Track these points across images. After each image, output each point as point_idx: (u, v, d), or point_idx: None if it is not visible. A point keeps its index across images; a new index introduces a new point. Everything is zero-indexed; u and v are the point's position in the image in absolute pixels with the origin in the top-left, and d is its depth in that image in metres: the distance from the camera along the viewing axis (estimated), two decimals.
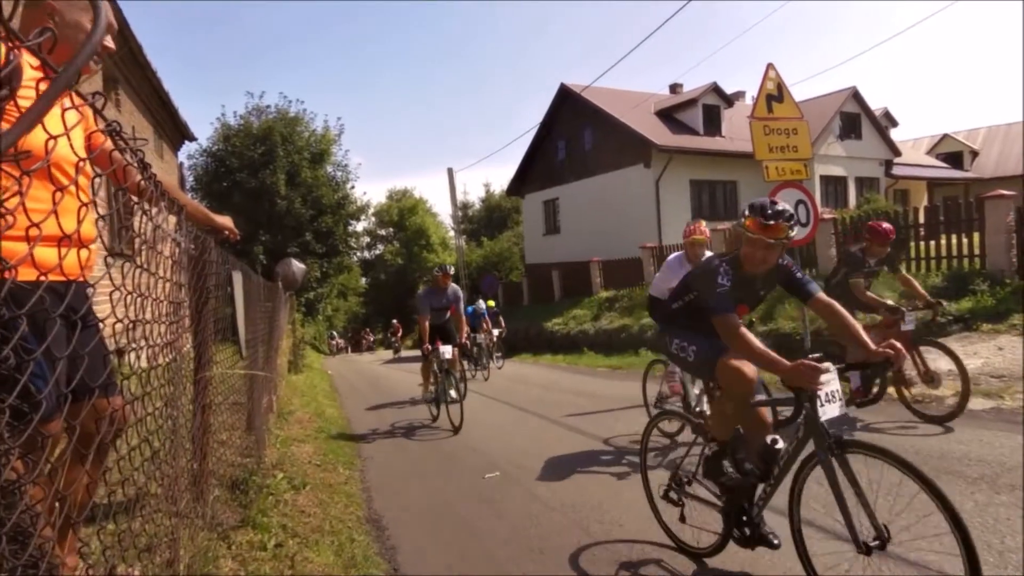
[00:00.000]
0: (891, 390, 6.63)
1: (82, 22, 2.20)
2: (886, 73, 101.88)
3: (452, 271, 9.08)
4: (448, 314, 9.15)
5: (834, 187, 27.94)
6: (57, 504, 1.72)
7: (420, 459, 6.78)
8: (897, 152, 29.99)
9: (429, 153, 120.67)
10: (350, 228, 41.10)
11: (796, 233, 3.45)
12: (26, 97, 1.47)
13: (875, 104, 30.30)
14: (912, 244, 12.05)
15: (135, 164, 2.08)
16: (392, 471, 6.31)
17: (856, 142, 28.50)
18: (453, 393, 8.22)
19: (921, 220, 12.14)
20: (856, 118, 28.72)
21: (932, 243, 11.74)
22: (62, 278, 1.80)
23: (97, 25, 1.23)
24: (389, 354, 31.66)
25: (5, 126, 1.12)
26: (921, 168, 32.73)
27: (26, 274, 1.56)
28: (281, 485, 4.89)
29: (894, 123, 33.24)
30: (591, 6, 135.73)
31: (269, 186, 34.38)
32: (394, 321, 35.74)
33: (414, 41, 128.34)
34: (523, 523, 4.52)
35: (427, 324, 8.64)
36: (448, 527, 4.64)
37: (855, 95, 28.50)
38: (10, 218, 1.32)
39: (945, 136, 37.63)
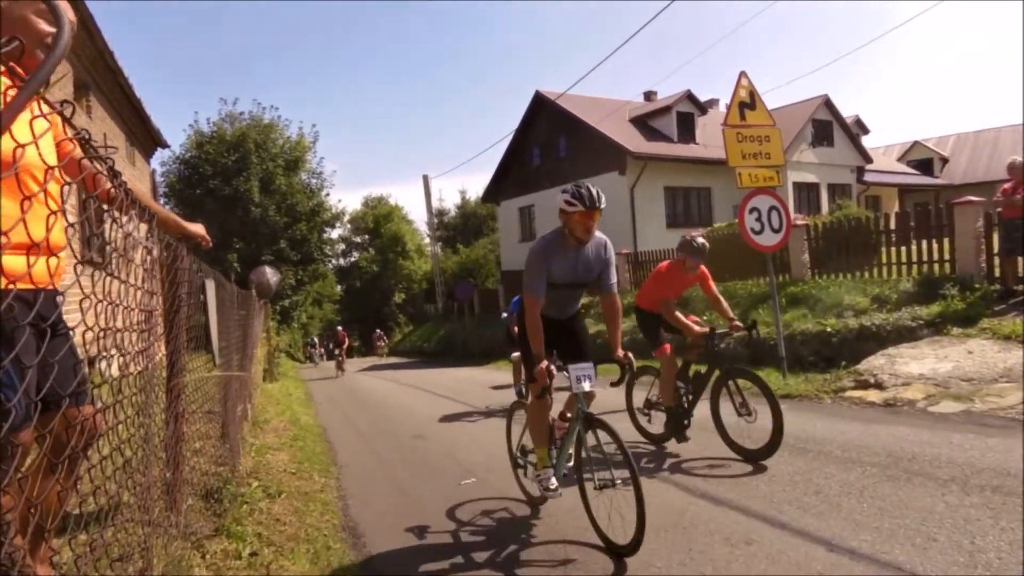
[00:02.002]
0: None
1: (28, 16, 2.09)
2: (857, 81, 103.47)
3: (603, 203, 4.11)
4: (579, 299, 4.92)
5: (807, 193, 28.26)
6: (30, 513, 1.70)
7: (395, 467, 6.74)
8: (869, 159, 30.44)
9: (405, 160, 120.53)
10: (325, 235, 40.96)
11: None
12: None
13: (847, 112, 30.80)
14: (884, 249, 12.25)
15: (104, 172, 2.06)
16: (368, 478, 6.28)
17: (828, 149, 28.87)
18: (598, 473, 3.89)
19: (892, 226, 12.33)
20: (828, 125, 29.10)
21: (903, 248, 11.92)
22: (31, 286, 1.78)
23: (61, 29, 1.22)
24: (332, 368, 24.81)
25: None
26: (892, 175, 33.31)
27: None
28: (256, 493, 4.86)
29: (865, 130, 33.80)
30: (568, 14, 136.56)
31: (243, 193, 34.17)
32: (339, 328, 28.56)
33: (391, 48, 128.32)
34: (500, 530, 4.51)
35: (539, 318, 4.22)
36: (424, 534, 4.62)
37: (827, 103, 28.89)
38: None
39: (916, 143, 38.27)
